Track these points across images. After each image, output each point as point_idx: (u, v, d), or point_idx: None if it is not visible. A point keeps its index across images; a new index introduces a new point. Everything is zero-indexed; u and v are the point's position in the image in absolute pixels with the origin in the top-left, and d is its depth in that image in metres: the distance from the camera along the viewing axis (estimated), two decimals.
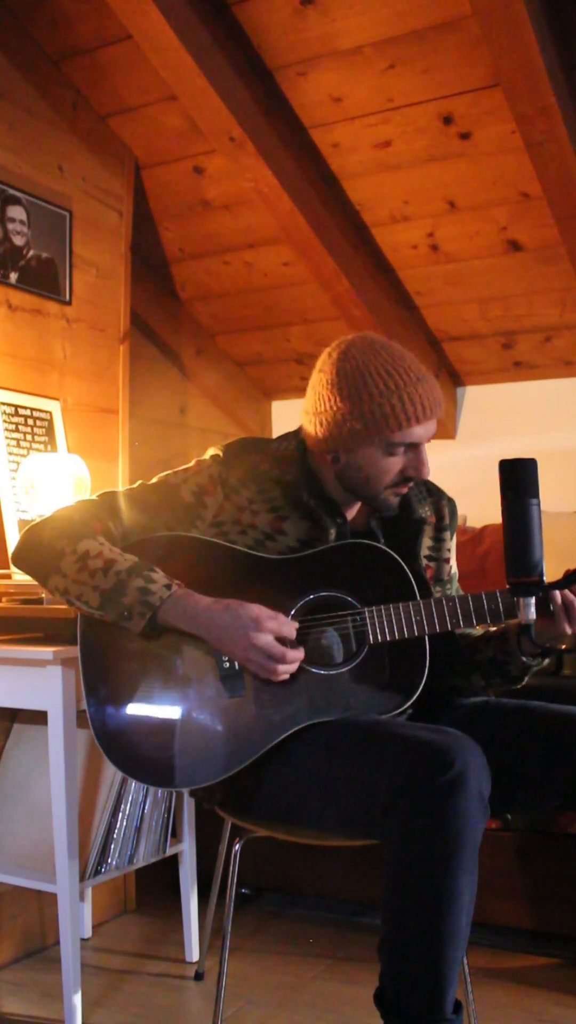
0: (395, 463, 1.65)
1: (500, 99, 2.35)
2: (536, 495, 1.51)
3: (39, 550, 1.67)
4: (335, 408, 1.64)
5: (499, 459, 1.53)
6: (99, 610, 1.60)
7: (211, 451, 1.77)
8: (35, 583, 2.14)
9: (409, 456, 1.66)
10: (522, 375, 3.31)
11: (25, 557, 1.70)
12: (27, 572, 1.71)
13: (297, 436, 1.77)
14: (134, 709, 1.64)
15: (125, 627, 1.59)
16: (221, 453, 1.75)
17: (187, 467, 1.76)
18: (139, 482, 1.77)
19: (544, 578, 1.52)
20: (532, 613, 1.53)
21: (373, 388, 1.61)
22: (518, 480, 1.52)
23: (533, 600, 1.53)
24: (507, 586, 1.54)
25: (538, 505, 1.52)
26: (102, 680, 1.65)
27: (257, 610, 1.57)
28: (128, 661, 1.65)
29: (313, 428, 1.69)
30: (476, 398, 3.43)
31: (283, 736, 1.59)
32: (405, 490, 1.71)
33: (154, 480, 1.76)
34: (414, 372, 1.63)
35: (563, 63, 2.26)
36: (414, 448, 1.65)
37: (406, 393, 1.60)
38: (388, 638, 1.61)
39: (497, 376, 3.35)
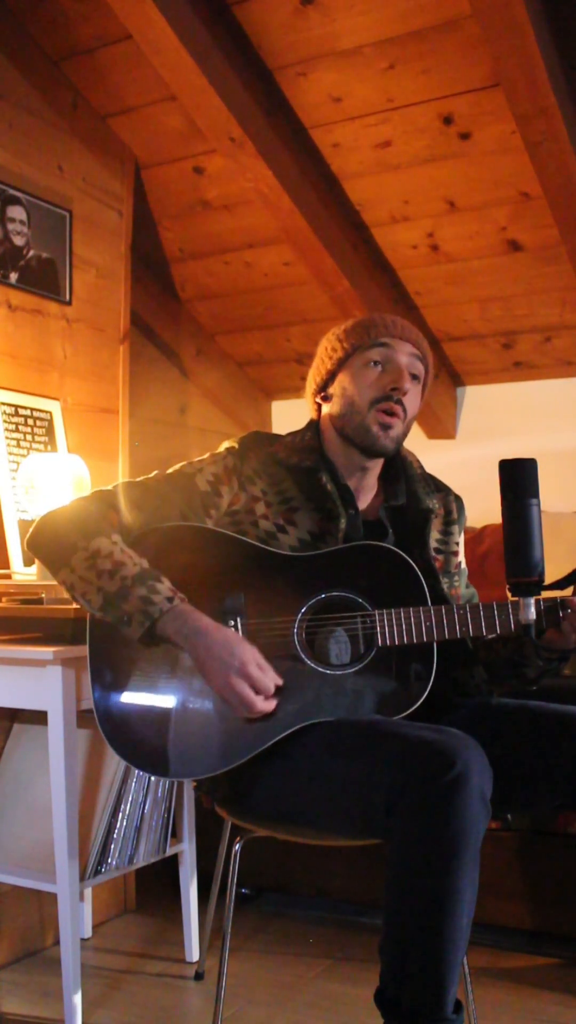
0: (373, 374, 1.75)
1: (500, 99, 2.35)
2: (536, 495, 1.51)
3: (53, 541, 1.68)
4: (320, 350, 1.84)
5: (499, 459, 1.53)
6: (100, 611, 1.60)
7: (225, 444, 1.81)
8: (35, 582, 2.16)
9: (388, 369, 1.75)
10: (522, 375, 3.31)
11: (39, 546, 1.71)
12: (39, 560, 1.73)
13: (310, 427, 1.84)
14: (140, 698, 1.64)
15: (124, 631, 1.59)
16: (236, 445, 1.79)
17: (202, 458, 1.79)
18: (155, 472, 1.79)
19: (544, 578, 1.52)
20: (532, 613, 1.53)
21: (348, 321, 1.82)
22: (518, 480, 1.52)
23: (533, 600, 1.53)
24: (507, 586, 1.55)
25: (538, 505, 1.52)
26: (109, 668, 1.65)
27: (249, 655, 1.56)
28: (136, 651, 1.65)
29: (309, 386, 1.86)
30: (476, 398, 3.43)
31: (286, 732, 1.59)
32: (388, 418, 1.73)
33: (170, 470, 1.78)
34: (391, 315, 1.79)
35: (563, 63, 2.26)
36: (392, 364, 1.75)
37: (378, 316, 1.79)
38: (397, 642, 1.61)
39: (497, 376, 3.35)
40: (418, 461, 1.89)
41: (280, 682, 1.59)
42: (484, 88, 2.37)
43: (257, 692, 1.56)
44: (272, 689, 1.58)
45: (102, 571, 1.60)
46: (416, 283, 3.05)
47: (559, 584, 1.57)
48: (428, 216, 2.79)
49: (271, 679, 1.58)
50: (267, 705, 1.57)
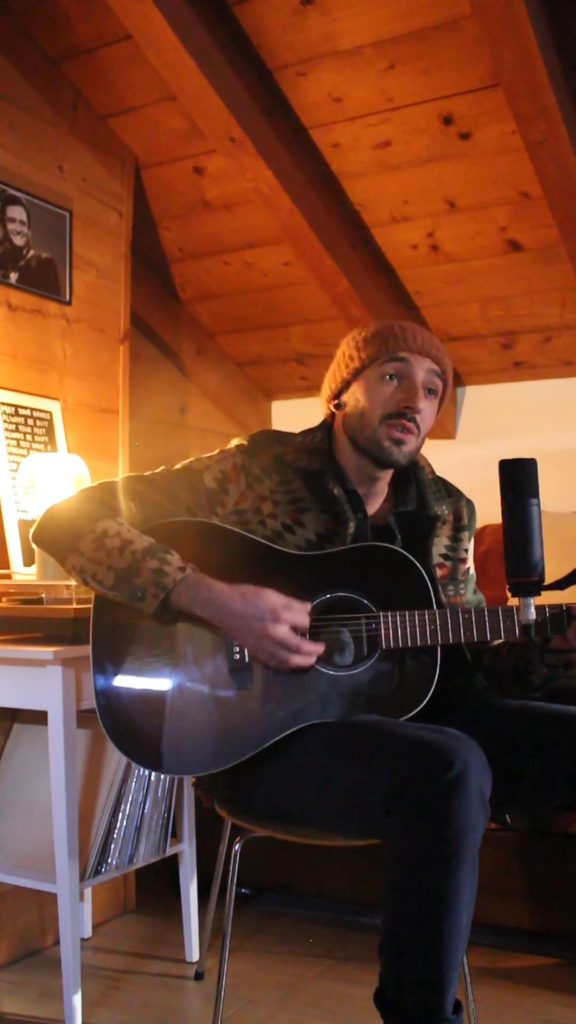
0: (387, 389, 1.72)
1: (500, 99, 2.35)
2: (536, 495, 1.51)
3: (59, 529, 1.68)
4: (338, 354, 1.80)
5: (499, 459, 1.53)
6: (113, 589, 1.60)
7: (235, 441, 1.80)
8: (35, 582, 2.16)
9: (404, 385, 1.72)
10: (522, 375, 3.31)
11: (45, 537, 1.71)
12: (46, 551, 1.72)
13: (322, 427, 1.83)
14: (141, 693, 1.64)
15: (138, 608, 1.59)
16: (246, 443, 1.78)
17: (211, 455, 1.78)
18: (162, 467, 1.78)
19: (544, 578, 1.52)
20: (532, 613, 1.53)
21: (368, 328, 1.78)
22: (518, 480, 1.51)
23: (532, 600, 1.53)
24: (507, 586, 1.54)
25: (538, 505, 1.51)
26: (112, 663, 1.65)
27: (273, 599, 1.57)
28: (138, 645, 1.65)
29: (324, 391, 1.83)
30: (476, 398, 3.43)
31: (286, 732, 1.59)
32: (401, 435, 1.71)
33: (177, 466, 1.78)
34: (411, 324, 1.76)
35: (563, 63, 2.26)
36: (408, 381, 1.72)
37: (397, 326, 1.74)
38: (401, 644, 1.61)
39: (497, 376, 3.35)
40: (430, 466, 1.88)
41: (309, 608, 1.60)
42: (484, 88, 2.37)
43: (297, 631, 1.57)
44: (308, 621, 1.59)
45: (111, 549, 1.60)
46: (416, 283, 3.05)
47: (559, 584, 1.57)
48: (428, 216, 2.79)
49: (302, 611, 1.59)
50: (315, 647, 1.58)
